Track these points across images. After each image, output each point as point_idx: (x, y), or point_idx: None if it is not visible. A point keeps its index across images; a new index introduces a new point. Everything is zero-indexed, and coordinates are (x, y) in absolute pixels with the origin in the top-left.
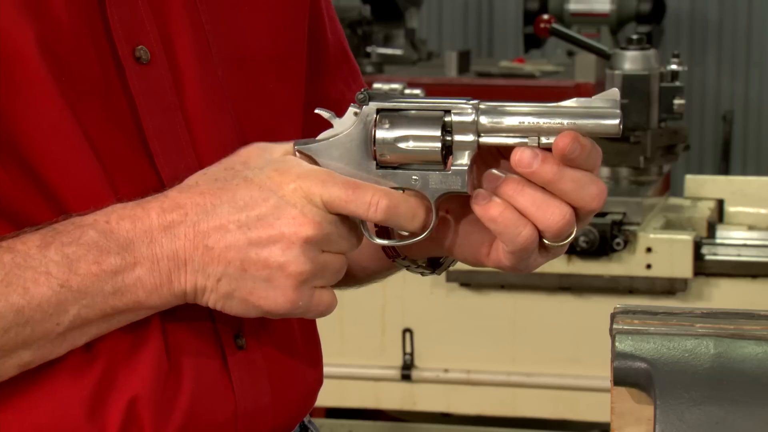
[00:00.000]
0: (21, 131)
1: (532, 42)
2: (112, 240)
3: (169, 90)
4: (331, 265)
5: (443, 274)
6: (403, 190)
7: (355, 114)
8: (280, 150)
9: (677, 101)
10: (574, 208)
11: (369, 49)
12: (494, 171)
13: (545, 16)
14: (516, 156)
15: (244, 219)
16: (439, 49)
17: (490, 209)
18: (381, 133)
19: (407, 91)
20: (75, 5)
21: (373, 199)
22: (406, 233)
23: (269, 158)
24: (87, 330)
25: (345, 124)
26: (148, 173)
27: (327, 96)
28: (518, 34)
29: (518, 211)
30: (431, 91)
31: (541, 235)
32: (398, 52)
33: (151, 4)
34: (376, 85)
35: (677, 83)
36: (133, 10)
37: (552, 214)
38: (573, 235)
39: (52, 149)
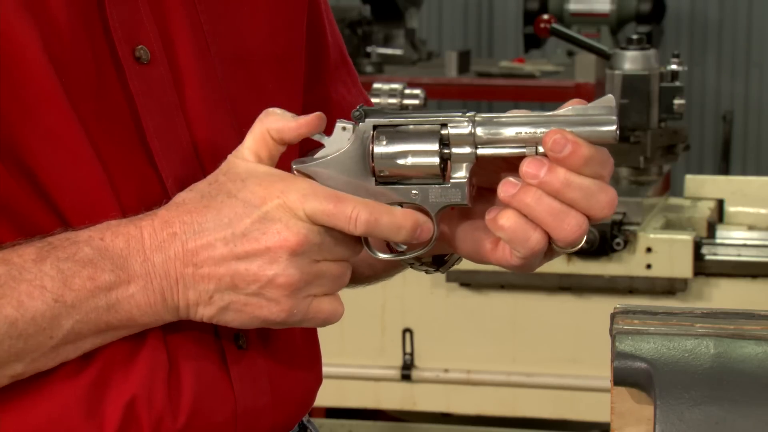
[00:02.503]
0: (21, 132)
1: (532, 42)
2: (106, 257)
3: (169, 90)
4: (328, 273)
5: (443, 274)
6: (402, 205)
7: (343, 129)
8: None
9: (677, 101)
10: (586, 216)
11: (369, 49)
12: (511, 179)
13: (545, 16)
14: (523, 167)
15: (230, 236)
16: (439, 49)
17: (498, 219)
18: (379, 149)
19: (407, 91)
20: (74, 5)
21: (353, 213)
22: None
23: (252, 169)
24: (80, 344)
25: (336, 142)
26: (148, 173)
27: (328, 98)
28: (518, 34)
29: (535, 220)
30: (431, 91)
31: (552, 242)
32: (398, 52)
33: (151, 3)
34: (376, 85)
35: (677, 83)
36: (133, 9)
37: (569, 224)
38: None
39: (53, 150)
